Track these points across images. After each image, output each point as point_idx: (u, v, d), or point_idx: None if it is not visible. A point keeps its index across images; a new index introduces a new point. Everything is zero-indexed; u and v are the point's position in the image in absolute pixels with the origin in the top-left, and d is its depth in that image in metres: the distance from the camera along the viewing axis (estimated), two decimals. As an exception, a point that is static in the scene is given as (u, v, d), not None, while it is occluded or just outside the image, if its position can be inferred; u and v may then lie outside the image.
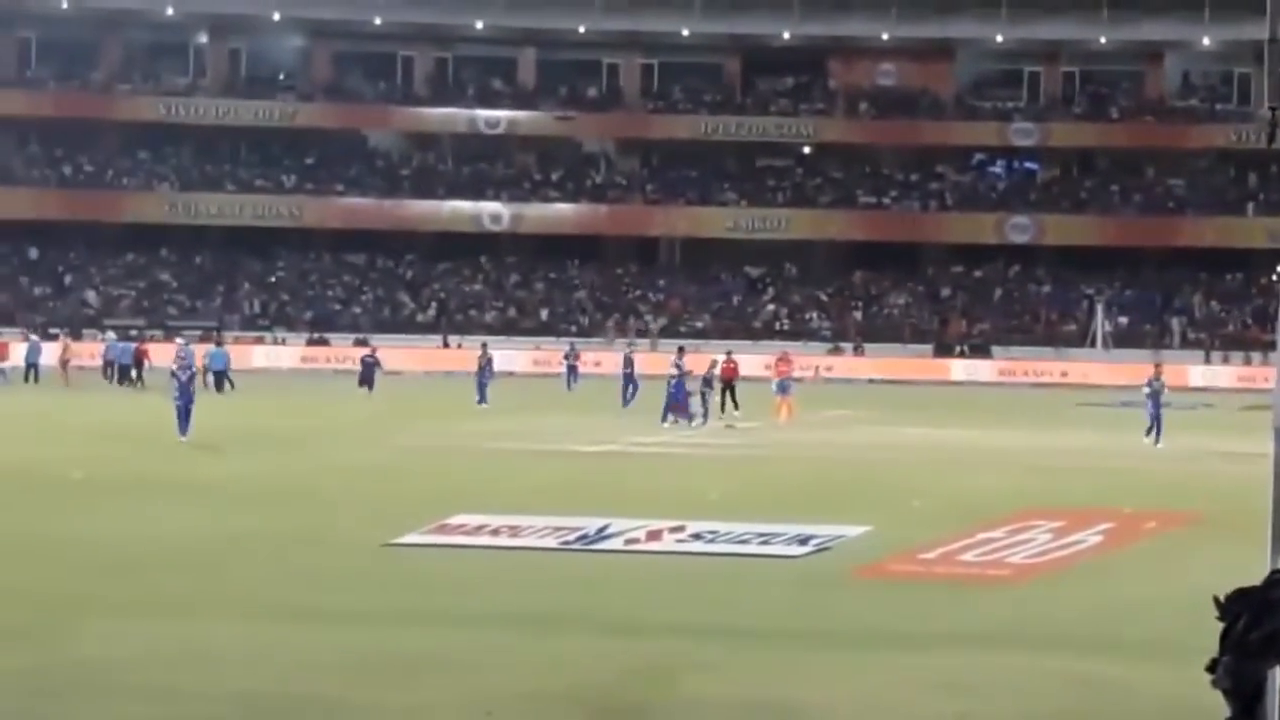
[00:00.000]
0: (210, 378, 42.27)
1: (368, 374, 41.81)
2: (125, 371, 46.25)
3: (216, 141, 67.27)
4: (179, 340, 47.25)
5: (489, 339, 50.72)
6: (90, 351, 51.41)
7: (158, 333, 55.68)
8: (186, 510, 19.60)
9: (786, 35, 63.47)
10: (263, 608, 13.13)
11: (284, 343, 58.82)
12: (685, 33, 65.59)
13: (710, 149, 65.97)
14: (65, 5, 64.10)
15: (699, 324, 59.31)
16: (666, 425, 35.72)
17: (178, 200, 64.70)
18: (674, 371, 35.86)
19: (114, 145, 67.32)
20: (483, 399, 39.45)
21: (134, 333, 53.95)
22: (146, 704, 9.32)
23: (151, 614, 12.39)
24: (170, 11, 64.55)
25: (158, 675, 10.19)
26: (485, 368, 39.47)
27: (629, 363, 41.22)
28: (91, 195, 64.63)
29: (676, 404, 36.51)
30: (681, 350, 40.27)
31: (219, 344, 49.46)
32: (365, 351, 44.94)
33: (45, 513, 18.82)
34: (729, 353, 41.45)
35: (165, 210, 64.87)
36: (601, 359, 52.09)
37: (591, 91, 68.57)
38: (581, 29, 65.68)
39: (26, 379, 46.89)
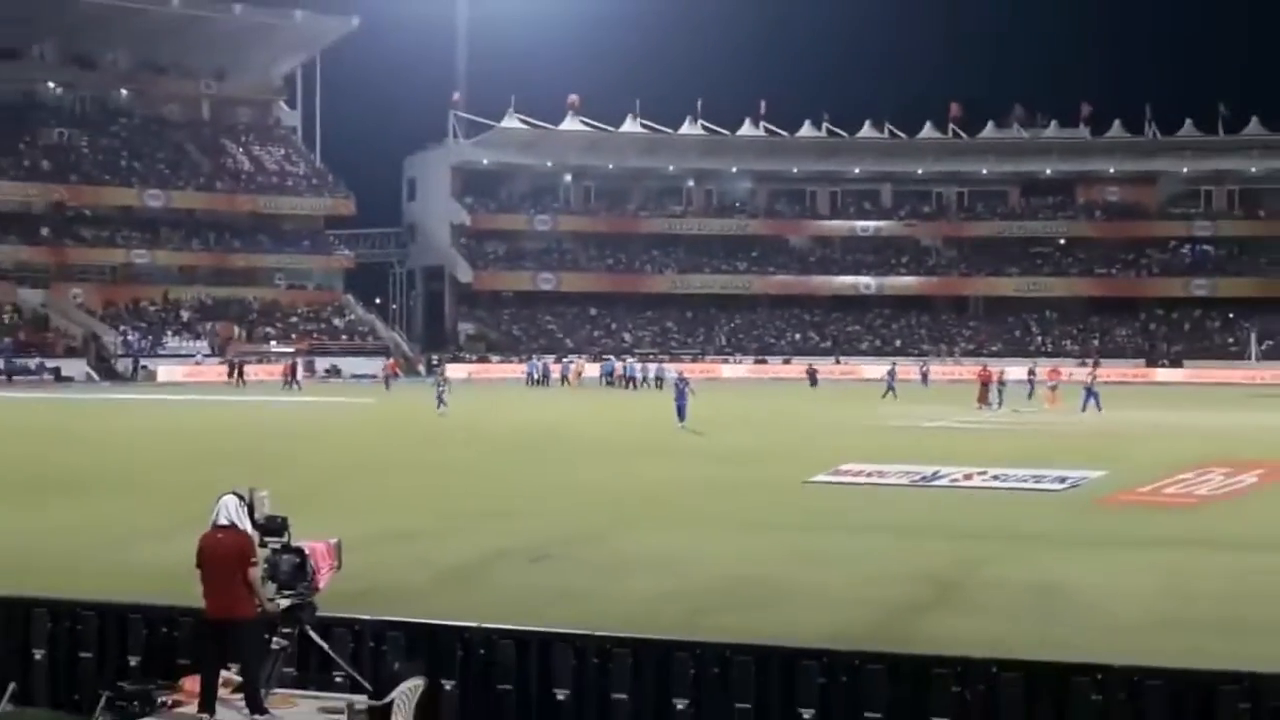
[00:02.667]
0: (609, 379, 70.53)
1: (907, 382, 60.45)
2: (630, 379, 68.97)
3: (699, 243, 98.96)
4: (660, 364, 71.44)
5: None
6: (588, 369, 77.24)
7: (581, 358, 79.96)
8: (676, 465, 29.21)
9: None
10: (728, 522, 20.11)
11: (739, 362, 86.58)
12: (984, 171, 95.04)
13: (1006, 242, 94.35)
14: (611, 166, 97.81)
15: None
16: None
17: (677, 279, 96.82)
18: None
19: (639, 247, 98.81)
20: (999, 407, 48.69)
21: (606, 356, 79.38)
22: (661, 577, 14.95)
23: (665, 527, 19.61)
24: (671, 169, 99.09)
25: (671, 564, 16.27)
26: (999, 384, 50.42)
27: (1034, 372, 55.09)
28: (626, 277, 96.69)
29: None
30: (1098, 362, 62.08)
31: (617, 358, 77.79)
32: (888, 365, 61.21)
33: (589, 465, 28.96)
34: (984, 365, 55.20)
35: (670, 285, 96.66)
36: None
37: (926, 208, 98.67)
38: (919, 170, 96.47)
39: (563, 383, 70.67)
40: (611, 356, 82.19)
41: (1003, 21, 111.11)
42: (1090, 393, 47.52)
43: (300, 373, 71.67)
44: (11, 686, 11.89)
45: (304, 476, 23.50)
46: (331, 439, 39.31)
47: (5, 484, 25.86)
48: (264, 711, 10.09)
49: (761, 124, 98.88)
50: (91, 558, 16.66)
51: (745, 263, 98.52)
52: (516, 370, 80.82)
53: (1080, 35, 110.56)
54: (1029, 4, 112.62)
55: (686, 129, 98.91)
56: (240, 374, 72.33)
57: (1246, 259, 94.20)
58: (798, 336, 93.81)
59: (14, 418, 46.39)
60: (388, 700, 10.26)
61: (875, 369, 74.01)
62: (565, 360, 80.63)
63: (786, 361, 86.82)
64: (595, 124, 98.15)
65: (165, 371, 76.01)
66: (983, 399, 50.59)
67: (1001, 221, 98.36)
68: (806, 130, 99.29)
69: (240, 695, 10.24)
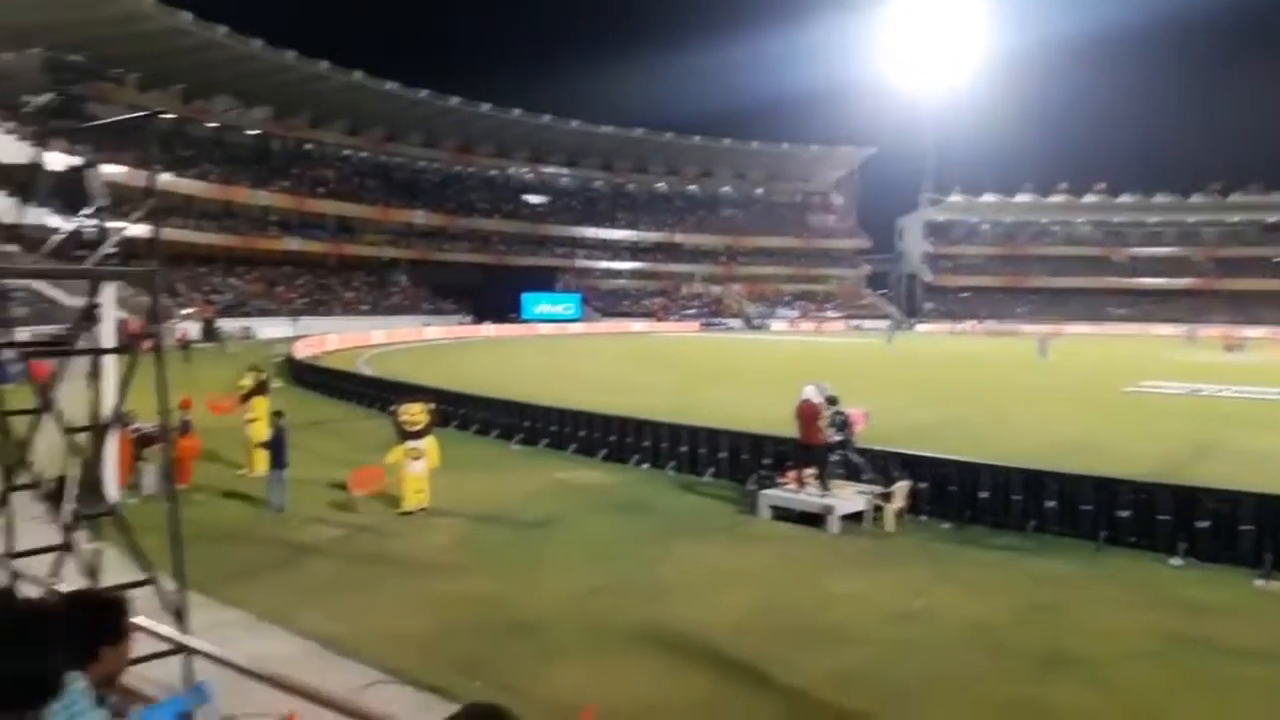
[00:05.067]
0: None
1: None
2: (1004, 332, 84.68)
3: (1060, 260, 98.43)
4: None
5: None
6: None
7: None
8: (1052, 376, 30.32)
9: None
10: (1085, 408, 20.87)
11: (1085, 324, 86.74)
12: (1234, 218, 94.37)
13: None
14: (1008, 219, 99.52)
15: None
16: None
17: (1046, 279, 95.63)
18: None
19: (1022, 262, 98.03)
20: None
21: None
22: (1040, 436, 15.70)
23: (1049, 406, 21.53)
24: (1044, 220, 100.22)
25: (1048, 427, 17.17)
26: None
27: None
28: (1015, 277, 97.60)
29: None
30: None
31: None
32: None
33: (991, 373, 34.50)
34: (1227, 331, 58.95)
35: (1041, 282, 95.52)
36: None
37: (1194, 241, 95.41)
38: (1190, 219, 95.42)
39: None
40: (994, 319, 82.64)
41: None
42: None
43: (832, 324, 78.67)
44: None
45: (842, 372, 24.39)
46: (851, 360, 41.43)
47: (705, 375, 30.25)
48: (828, 489, 12.09)
49: (1098, 194, 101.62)
50: (741, 413, 18.61)
51: (1085, 270, 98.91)
52: (944, 327, 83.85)
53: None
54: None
55: (1052, 198, 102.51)
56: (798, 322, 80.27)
57: None
58: (1119, 310, 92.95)
59: (706, 348, 52.02)
60: (890, 490, 12.14)
61: (1162, 330, 74.85)
62: (973, 321, 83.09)
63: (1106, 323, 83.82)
64: (999, 195, 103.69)
65: (774, 325, 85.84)
66: (1229, 348, 50.77)
67: (1240, 247, 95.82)
68: (1124, 198, 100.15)
69: (816, 482, 12.31)
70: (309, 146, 79.66)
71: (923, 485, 12.42)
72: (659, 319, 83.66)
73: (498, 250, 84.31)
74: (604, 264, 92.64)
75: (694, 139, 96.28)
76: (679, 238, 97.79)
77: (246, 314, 58.86)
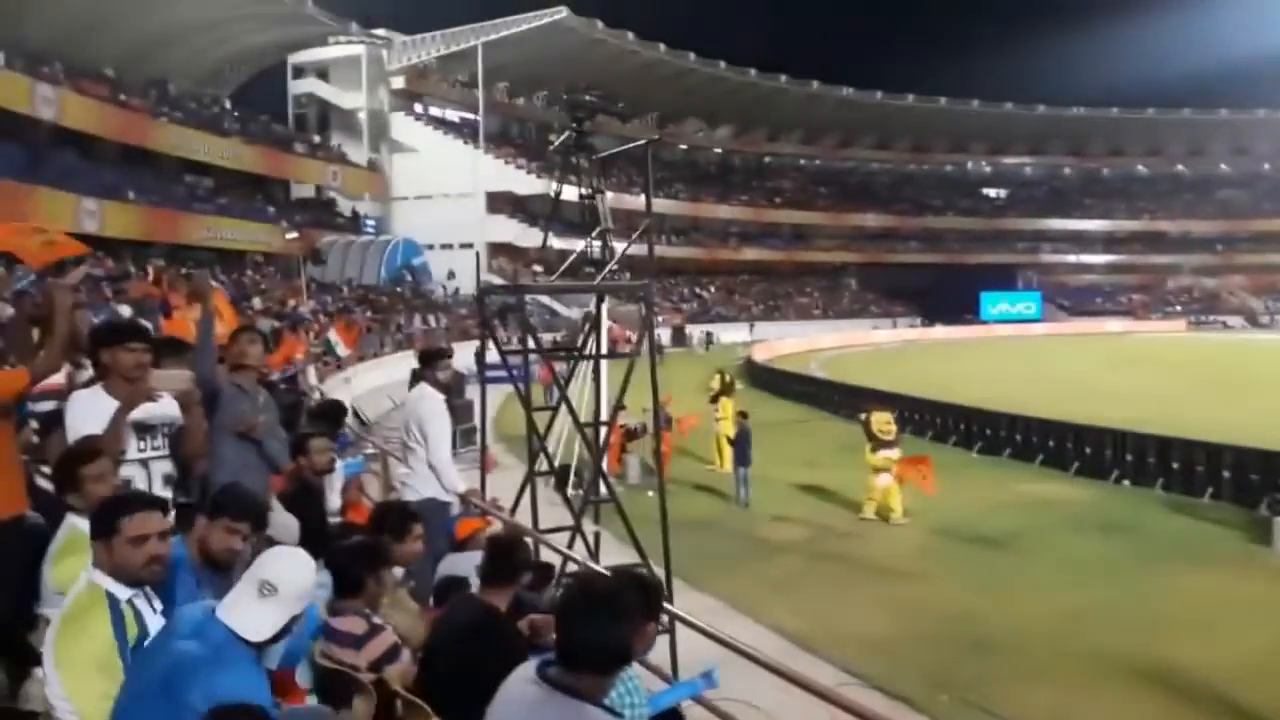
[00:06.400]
0: None
1: None
2: None
3: None
4: None
5: None
6: None
7: None
8: None
9: None
10: None
11: None
12: None
13: None
14: None
15: None
16: None
17: None
18: None
19: None
20: None
21: None
22: None
23: None
24: None
25: None
26: None
27: None
28: None
29: None
30: None
31: None
32: None
33: None
34: None
35: None
36: None
37: None
38: None
39: None
40: None
41: None
42: None
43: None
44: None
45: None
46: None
47: (1200, 381, 27.99)
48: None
49: None
50: (1249, 426, 16.41)
51: None
52: None
53: None
54: None
55: None
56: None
57: None
58: None
59: (1199, 350, 48.11)
60: None
61: None
62: None
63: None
64: None
65: (1291, 323, 69.61)
66: None
67: None
68: None
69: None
70: (767, 160, 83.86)
71: None
72: (1138, 317, 77.54)
73: (951, 249, 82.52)
74: (1072, 258, 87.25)
75: (1181, 113, 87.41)
76: (1163, 225, 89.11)
77: (709, 320, 63.28)
